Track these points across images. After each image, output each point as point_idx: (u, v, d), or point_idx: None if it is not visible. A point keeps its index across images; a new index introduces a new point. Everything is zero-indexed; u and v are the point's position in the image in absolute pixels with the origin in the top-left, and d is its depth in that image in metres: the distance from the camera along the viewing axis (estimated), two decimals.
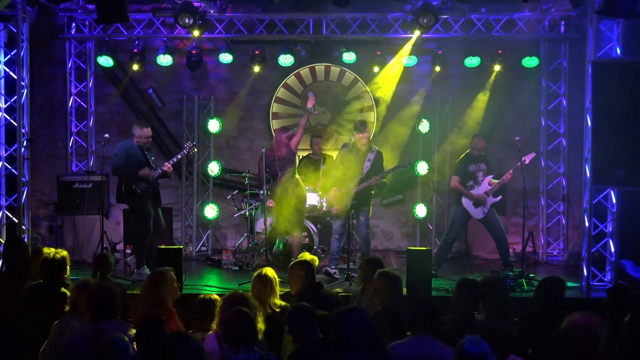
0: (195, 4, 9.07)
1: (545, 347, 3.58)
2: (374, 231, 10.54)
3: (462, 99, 10.46)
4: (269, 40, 10.39)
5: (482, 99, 10.37)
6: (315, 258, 6.51)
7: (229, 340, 4.30)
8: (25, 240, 7.94)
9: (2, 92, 8.28)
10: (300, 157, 9.88)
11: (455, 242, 9.17)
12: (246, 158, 10.84)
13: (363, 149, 8.47)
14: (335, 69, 10.79)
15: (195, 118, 10.33)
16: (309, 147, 10.02)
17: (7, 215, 8.31)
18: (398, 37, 10.06)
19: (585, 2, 7.90)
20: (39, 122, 10.57)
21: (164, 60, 10.12)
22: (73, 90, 10.59)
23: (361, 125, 8.58)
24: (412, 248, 7.97)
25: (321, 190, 9.14)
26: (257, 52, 10.14)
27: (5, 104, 8.28)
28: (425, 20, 8.76)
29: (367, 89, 10.73)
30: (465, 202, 8.52)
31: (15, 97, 8.14)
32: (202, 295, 5.73)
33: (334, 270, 8.39)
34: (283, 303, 5.60)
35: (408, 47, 9.93)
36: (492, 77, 10.30)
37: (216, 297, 5.46)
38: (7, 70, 8.28)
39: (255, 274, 5.71)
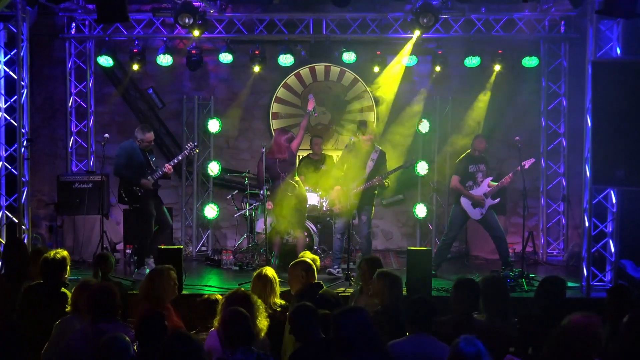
0: (195, 4, 9.07)
1: (544, 347, 3.57)
2: (374, 231, 10.53)
3: (462, 99, 10.47)
4: (269, 40, 10.39)
5: (482, 99, 10.39)
6: (317, 258, 6.53)
7: (226, 340, 4.30)
8: (25, 240, 7.95)
9: (2, 92, 8.28)
10: (301, 157, 9.88)
11: (454, 242, 9.18)
12: (246, 158, 10.84)
13: (365, 148, 8.48)
14: (335, 69, 10.79)
15: (195, 118, 10.33)
16: (309, 147, 10.02)
17: (7, 215, 8.31)
18: (398, 37, 10.06)
19: (585, 2, 7.90)
20: (39, 122, 10.57)
21: (164, 60, 10.12)
22: (73, 90, 10.58)
23: (362, 126, 8.61)
24: (412, 248, 7.97)
25: (322, 190, 9.14)
26: (257, 52, 10.14)
27: (5, 104, 8.29)
28: (425, 20, 8.77)
29: (367, 89, 10.74)
30: (464, 202, 8.52)
31: (15, 97, 8.15)
32: (206, 296, 5.73)
33: (337, 270, 8.39)
34: (283, 302, 5.61)
35: (409, 47, 9.93)
36: (492, 77, 10.30)
37: (219, 297, 5.46)
38: (7, 70, 8.28)
39: (255, 273, 5.72)
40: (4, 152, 8.30)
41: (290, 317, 4.60)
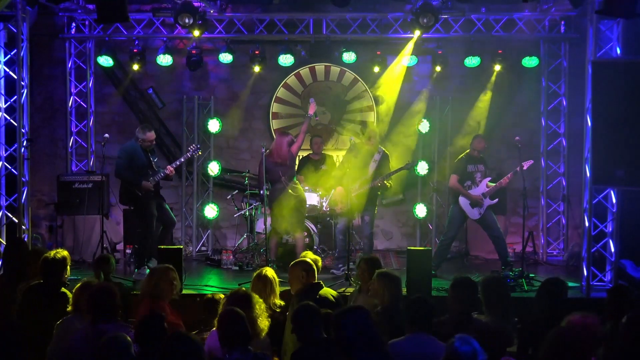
0: (195, 4, 9.07)
1: (543, 347, 3.57)
2: (374, 231, 10.52)
3: (462, 99, 10.46)
4: (269, 40, 10.39)
5: (482, 99, 10.38)
6: (319, 258, 6.53)
7: (223, 340, 4.30)
8: (25, 240, 7.95)
9: (2, 92, 8.29)
10: (301, 157, 9.88)
11: (454, 242, 9.19)
12: (246, 158, 10.84)
13: (367, 149, 8.49)
14: (335, 69, 10.78)
15: (195, 118, 10.33)
16: (309, 147, 10.01)
17: (7, 215, 8.31)
18: (398, 37, 10.06)
19: (585, 2, 7.90)
20: (39, 122, 10.56)
21: (164, 60, 10.12)
22: (73, 90, 10.58)
23: (364, 128, 8.63)
24: (412, 248, 7.96)
25: (322, 190, 9.14)
26: (257, 52, 10.14)
27: (5, 104, 8.30)
28: (425, 20, 8.77)
29: (367, 88, 10.73)
30: (463, 202, 8.52)
31: (15, 97, 8.15)
32: (210, 295, 5.72)
33: (342, 269, 8.37)
34: (283, 303, 5.61)
35: (409, 47, 9.93)
36: (493, 77, 10.30)
37: (221, 296, 5.45)
38: (7, 70, 8.29)
39: (255, 274, 5.72)
40: (4, 152, 8.30)
41: (292, 317, 4.60)
